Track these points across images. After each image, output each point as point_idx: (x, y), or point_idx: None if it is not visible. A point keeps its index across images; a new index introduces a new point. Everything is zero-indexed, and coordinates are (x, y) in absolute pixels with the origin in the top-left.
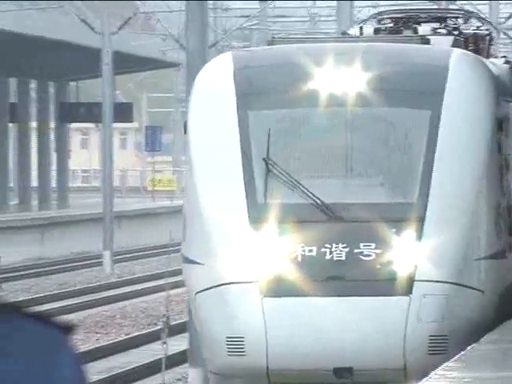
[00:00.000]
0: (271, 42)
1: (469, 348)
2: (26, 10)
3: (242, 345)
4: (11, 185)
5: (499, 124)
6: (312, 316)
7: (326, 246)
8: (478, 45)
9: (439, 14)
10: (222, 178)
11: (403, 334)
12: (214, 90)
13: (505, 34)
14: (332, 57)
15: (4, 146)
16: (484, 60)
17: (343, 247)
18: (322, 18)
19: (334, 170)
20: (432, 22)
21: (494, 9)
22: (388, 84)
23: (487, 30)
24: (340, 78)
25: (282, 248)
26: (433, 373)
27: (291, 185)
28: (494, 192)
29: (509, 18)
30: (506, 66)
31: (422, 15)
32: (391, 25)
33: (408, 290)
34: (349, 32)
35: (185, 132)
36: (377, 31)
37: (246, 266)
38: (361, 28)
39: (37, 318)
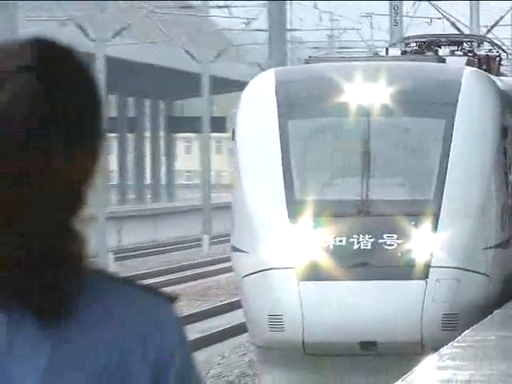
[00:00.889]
0: (308, 61)
1: (478, 323)
2: (145, 43)
3: (282, 322)
4: (130, 182)
5: (504, 132)
6: (341, 297)
7: (354, 236)
8: (489, 64)
9: (456, 39)
10: (265, 178)
11: (420, 313)
12: (258, 101)
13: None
14: (359, 73)
15: (124, 151)
16: (492, 77)
17: (369, 238)
18: (378, 49)
19: (361, 171)
20: (451, 45)
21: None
22: (408, 96)
23: (497, 52)
24: (366, 92)
25: (315, 239)
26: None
27: (324, 184)
28: (499, 191)
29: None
30: None
31: (442, 39)
32: (416, 47)
33: (425, 275)
34: (379, 53)
35: (233, 138)
36: (403, 53)
37: (285, 254)
38: (386, 49)
39: (145, 289)
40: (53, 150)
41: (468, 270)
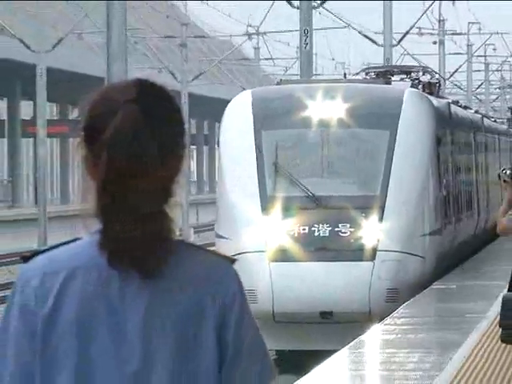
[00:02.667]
0: (279, 83)
1: (415, 296)
2: (216, 84)
3: (255, 295)
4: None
5: (438, 140)
6: (304, 275)
7: (315, 225)
8: (430, 89)
9: (406, 69)
10: (242, 177)
11: (368, 288)
12: (237, 114)
13: (452, 82)
14: (320, 93)
15: (201, 158)
16: (429, 97)
17: (327, 227)
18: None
19: (321, 172)
20: (401, 74)
21: (442, 64)
22: (359, 111)
23: (437, 79)
24: (325, 107)
25: (283, 227)
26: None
27: (291, 182)
28: (434, 188)
29: (454, 72)
30: (446, 101)
31: (395, 70)
32: (374, 76)
33: (372, 257)
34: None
35: (218, 145)
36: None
37: (258, 240)
38: (344, 74)
39: (213, 253)
40: (150, 159)
41: (407, 253)
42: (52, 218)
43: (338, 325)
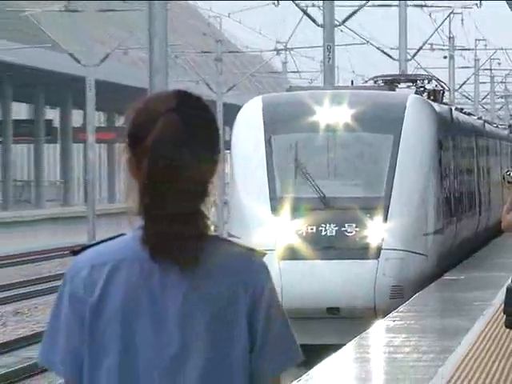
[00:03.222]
0: (289, 89)
1: (418, 293)
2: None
3: None
4: None
5: (439, 144)
6: (313, 273)
7: (322, 225)
8: (435, 96)
9: (412, 78)
10: (253, 179)
11: (373, 285)
12: (249, 119)
13: (460, 93)
14: (327, 99)
15: None
16: (432, 103)
17: (334, 226)
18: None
19: (328, 174)
20: (408, 82)
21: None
22: (364, 116)
23: (442, 87)
24: (332, 113)
25: (292, 227)
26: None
27: (299, 184)
28: (436, 189)
29: (462, 84)
30: (448, 107)
31: (402, 78)
32: (382, 84)
33: (377, 255)
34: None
35: (229, 149)
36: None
37: (268, 239)
38: (352, 81)
39: (244, 247)
40: (188, 163)
41: (410, 252)
42: (100, 215)
43: (344, 320)
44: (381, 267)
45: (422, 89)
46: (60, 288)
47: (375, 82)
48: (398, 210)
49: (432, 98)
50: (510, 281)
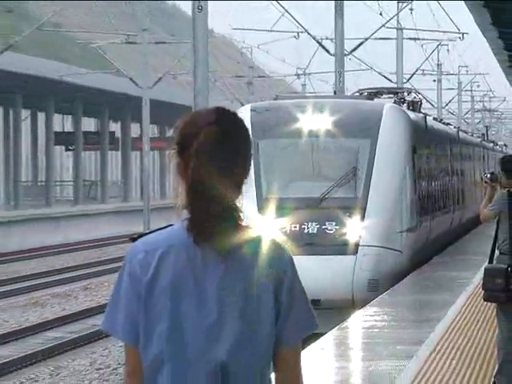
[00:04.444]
0: (275, 98)
1: (393, 287)
2: None
3: None
4: None
5: (413, 148)
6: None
7: (305, 223)
8: (413, 106)
9: (393, 90)
10: None
11: (352, 278)
12: None
13: (447, 110)
14: (310, 107)
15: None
16: (406, 110)
17: (315, 224)
18: None
19: (311, 176)
20: (390, 94)
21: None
22: (344, 122)
23: (419, 99)
24: (314, 120)
25: (277, 225)
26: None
27: (284, 186)
28: (410, 190)
29: (448, 102)
30: (422, 115)
31: (384, 90)
32: (366, 95)
33: (355, 251)
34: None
35: None
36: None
37: None
38: (334, 92)
39: (269, 236)
40: (226, 166)
41: (386, 248)
42: (153, 209)
43: (325, 311)
44: (358, 262)
45: (402, 100)
46: (121, 268)
47: (360, 94)
48: (374, 210)
49: (411, 107)
50: (487, 262)
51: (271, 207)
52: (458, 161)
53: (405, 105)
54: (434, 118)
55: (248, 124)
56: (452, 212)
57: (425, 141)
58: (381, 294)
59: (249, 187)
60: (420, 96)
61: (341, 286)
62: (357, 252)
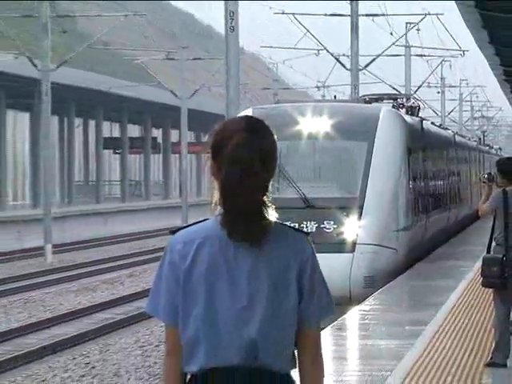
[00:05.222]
0: (277, 102)
1: (389, 284)
2: None
3: None
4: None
5: (408, 150)
6: None
7: (304, 222)
8: (412, 111)
9: (393, 96)
10: None
11: (349, 275)
12: None
13: (449, 118)
14: (310, 110)
15: None
16: (402, 114)
17: (314, 223)
18: None
19: (310, 177)
20: (390, 99)
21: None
22: (342, 125)
23: (418, 104)
24: (314, 123)
25: None
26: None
27: (284, 186)
28: (405, 191)
29: (450, 111)
30: (418, 119)
31: (385, 96)
32: (368, 101)
33: (352, 249)
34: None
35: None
36: None
37: None
38: (335, 96)
39: (293, 228)
40: (255, 167)
41: (382, 246)
42: (190, 205)
43: None
44: (355, 260)
45: (401, 105)
46: (162, 257)
47: (364, 99)
48: (371, 209)
49: (409, 112)
50: (485, 252)
51: (271, 207)
52: (455, 162)
53: (403, 109)
54: (432, 123)
55: None
56: (448, 210)
57: (421, 143)
58: (376, 290)
59: None
60: (419, 102)
61: (338, 282)
62: (354, 250)
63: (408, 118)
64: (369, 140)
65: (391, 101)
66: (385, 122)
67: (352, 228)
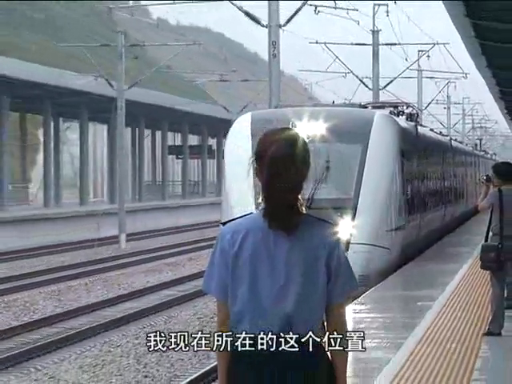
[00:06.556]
0: (276, 106)
1: (381, 283)
2: None
3: None
4: None
5: (402, 153)
6: None
7: None
8: (411, 117)
9: (394, 104)
10: (241, 185)
11: None
12: (239, 132)
13: (454, 129)
14: (308, 114)
15: None
16: (396, 118)
17: None
18: None
19: (308, 178)
20: (391, 107)
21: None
22: (338, 129)
23: (416, 111)
24: (311, 126)
25: None
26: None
27: None
28: (398, 192)
29: (455, 124)
30: (413, 124)
31: (386, 104)
32: (359, 104)
33: (346, 249)
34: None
35: (223, 157)
36: None
37: None
38: (333, 101)
39: (321, 219)
40: (291, 170)
41: (375, 245)
42: None
43: None
44: (349, 259)
45: (401, 112)
46: (214, 245)
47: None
48: (364, 210)
49: (409, 118)
50: (483, 240)
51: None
52: (451, 165)
53: (404, 116)
54: (431, 129)
55: (248, 130)
56: (444, 209)
57: (415, 146)
58: (370, 288)
59: (248, 189)
60: (416, 109)
61: None
62: (348, 249)
63: (402, 123)
64: (363, 143)
65: (391, 108)
66: (378, 125)
67: (346, 228)
